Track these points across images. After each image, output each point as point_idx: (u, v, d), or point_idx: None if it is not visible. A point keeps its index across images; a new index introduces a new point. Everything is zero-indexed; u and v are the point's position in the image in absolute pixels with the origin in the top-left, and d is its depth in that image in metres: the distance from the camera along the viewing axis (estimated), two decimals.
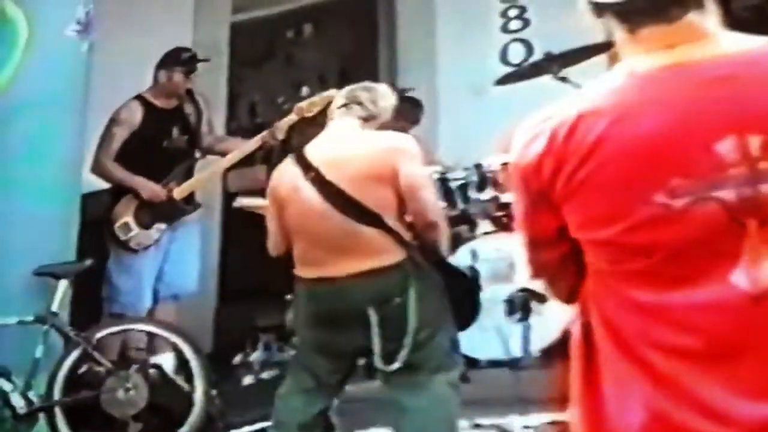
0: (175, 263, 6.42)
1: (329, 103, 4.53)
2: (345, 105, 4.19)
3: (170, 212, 6.34)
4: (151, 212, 6.27)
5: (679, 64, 1.75)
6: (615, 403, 1.79)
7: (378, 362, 3.92)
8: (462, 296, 4.13)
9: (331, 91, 5.34)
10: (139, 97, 6.46)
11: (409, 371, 3.94)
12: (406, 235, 3.97)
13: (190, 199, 6.43)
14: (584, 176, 1.75)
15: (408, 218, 4.03)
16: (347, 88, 4.28)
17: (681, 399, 1.70)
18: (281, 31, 8.59)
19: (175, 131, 6.48)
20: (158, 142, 6.40)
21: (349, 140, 4.10)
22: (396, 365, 3.89)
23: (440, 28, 7.67)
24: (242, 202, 5.24)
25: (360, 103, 4.16)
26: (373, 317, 3.88)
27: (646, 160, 1.71)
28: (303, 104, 5.60)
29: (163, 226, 6.32)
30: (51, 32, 5.66)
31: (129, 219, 6.24)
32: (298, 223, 4.06)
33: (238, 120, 8.22)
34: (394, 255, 3.92)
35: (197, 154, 6.62)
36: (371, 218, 3.92)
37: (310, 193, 3.98)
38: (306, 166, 4.02)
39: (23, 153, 5.50)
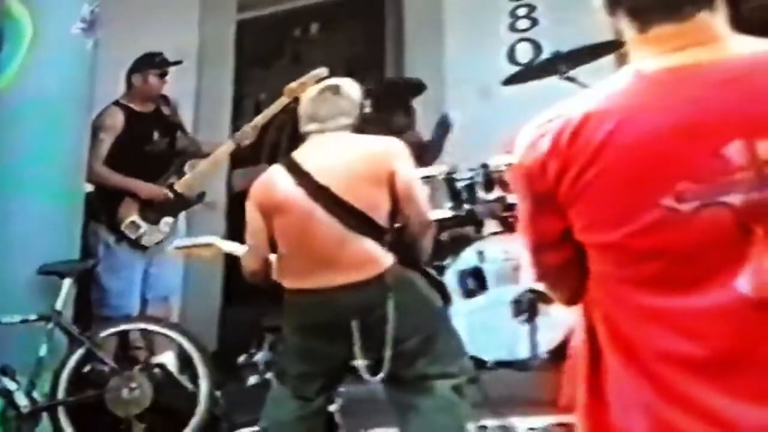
0: (161, 265, 6.41)
1: (320, 80, 4.49)
2: (318, 128, 4.09)
3: (176, 205, 6.40)
4: (156, 208, 6.31)
5: (687, 66, 1.72)
6: (619, 410, 1.77)
7: (364, 373, 3.92)
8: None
9: (320, 70, 5.31)
10: (117, 103, 6.49)
11: (415, 380, 3.93)
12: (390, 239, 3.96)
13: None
14: (590, 179, 1.72)
15: (399, 223, 4.01)
16: (311, 100, 4.18)
17: (685, 406, 1.68)
18: (288, 29, 8.57)
19: (156, 134, 6.53)
20: (140, 146, 6.44)
21: (338, 147, 4.06)
22: (380, 376, 3.88)
23: (448, 26, 7.63)
24: (181, 243, 5.24)
25: (333, 121, 4.08)
26: (356, 329, 3.87)
27: (652, 164, 1.68)
28: (293, 85, 5.49)
29: (170, 219, 6.36)
30: (56, 30, 5.68)
31: (135, 218, 6.25)
32: (288, 232, 4.01)
33: (243, 119, 8.14)
34: (378, 266, 3.89)
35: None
36: (361, 222, 3.89)
37: (302, 198, 3.94)
38: (297, 172, 3.99)
39: (28, 151, 5.50)
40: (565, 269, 1.89)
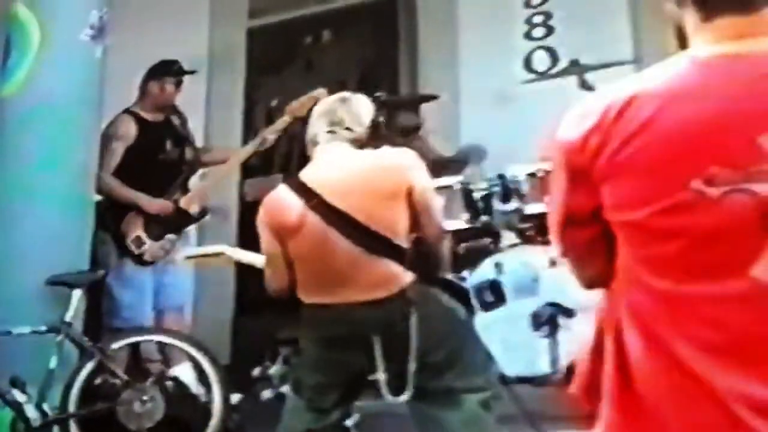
0: (175, 275, 6.40)
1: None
2: (330, 131, 4.01)
3: (179, 222, 6.37)
4: (161, 224, 6.28)
5: (740, 55, 1.75)
6: (646, 395, 1.78)
7: (385, 392, 3.85)
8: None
9: (319, 90, 5.31)
10: (129, 112, 6.46)
11: (441, 393, 3.87)
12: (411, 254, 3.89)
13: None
14: (627, 156, 1.76)
15: (416, 233, 3.95)
16: (324, 108, 4.10)
17: (708, 390, 1.69)
18: (299, 36, 8.56)
19: (168, 144, 6.49)
20: (153, 155, 6.41)
21: (348, 163, 3.96)
22: (405, 396, 3.81)
23: (462, 34, 7.59)
24: (191, 253, 5.20)
25: (347, 128, 4.01)
26: (377, 346, 3.81)
27: (687, 147, 1.71)
28: (294, 104, 5.63)
29: (173, 236, 6.33)
30: (64, 37, 5.63)
31: (140, 233, 6.22)
32: (304, 254, 3.93)
33: (255, 126, 8.13)
34: (398, 283, 3.83)
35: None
36: (378, 243, 3.82)
37: (315, 222, 3.86)
38: (307, 194, 3.90)
39: (36, 159, 5.46)
40: (590, 247, 1.93)
